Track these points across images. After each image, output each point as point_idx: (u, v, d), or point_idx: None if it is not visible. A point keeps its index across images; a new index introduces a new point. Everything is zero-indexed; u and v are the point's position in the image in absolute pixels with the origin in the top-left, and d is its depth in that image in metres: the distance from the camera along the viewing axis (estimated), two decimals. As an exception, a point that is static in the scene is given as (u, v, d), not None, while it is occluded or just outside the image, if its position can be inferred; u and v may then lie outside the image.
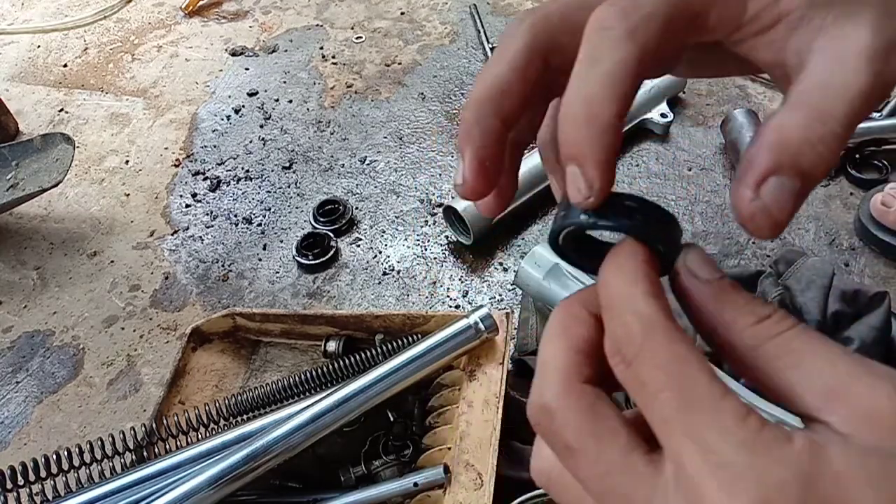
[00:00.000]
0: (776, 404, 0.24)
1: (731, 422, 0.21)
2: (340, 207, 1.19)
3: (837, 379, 0.22)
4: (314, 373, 0.83)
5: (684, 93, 1.32)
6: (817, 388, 0.22)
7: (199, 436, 0.81)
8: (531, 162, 1.14)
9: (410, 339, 0.83)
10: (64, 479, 0.76)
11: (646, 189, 1.17)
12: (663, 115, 1.25)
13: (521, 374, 0.87)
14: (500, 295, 1.04)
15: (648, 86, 1.26)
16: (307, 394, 0.83)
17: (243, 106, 1.46)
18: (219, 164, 1.34)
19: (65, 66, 1.65)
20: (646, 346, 0.23)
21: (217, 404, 0.82)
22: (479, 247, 1.10)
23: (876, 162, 1.12)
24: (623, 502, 0.23)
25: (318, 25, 1.68)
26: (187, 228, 1.22)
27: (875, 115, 1.19)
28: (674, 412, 0.22)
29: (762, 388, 0.24)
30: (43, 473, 0.75)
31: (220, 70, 1.57)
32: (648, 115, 1.24)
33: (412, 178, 1.25)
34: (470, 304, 1.04)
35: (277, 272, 1.12)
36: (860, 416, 0.21)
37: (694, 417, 0.21)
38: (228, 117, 1.44)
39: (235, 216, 1.23)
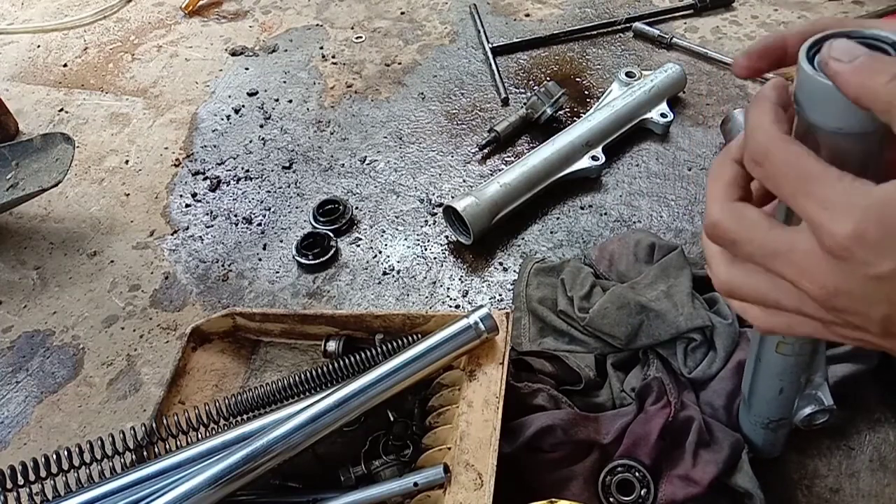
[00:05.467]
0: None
1: (834, 181, 0.34)
2: (340, 207, 1.19)
3: None
4: (314, 373, 0.83)
5: (684, 93, 1.32)
6: None
7: (199, 436, 0.81)
8: (531, 162, 1.14)
9: (410, 339, 0.83)
10: (64, 479, 0.76)
11: (646, 189, 1.17)
12: (663, 115, 1.25)
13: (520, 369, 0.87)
14: (500, 295, 1.04)
15: (648, 86, 1.26)
16: (307, 394, 0.83)
17: (243, 106, 1.46)
18: (219, 164, 1.34)
19: (65, 65, 1.65)
20: (770, 150, 0.36)
21: (217, 404, 0.82)
22: (479, 247, 1.10)
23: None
24: (776, 255, 0.36)
25: (318, 25, 1.68)
26: (187, 228, 1.22)
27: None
28: (795, 184, 0.35)
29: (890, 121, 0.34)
30: (43, 473, 0.75)
31: (220, 70, 1.57)
32: (648, 115, 1.24)
33: (412, 178, 1.25)
34: (470, 304, 1.04)
35: (277, 272, 1.12)
36: None
37: (809, 184, 0.34)
38: (228, 117, 1.44)
39: (235, 216, 1.23)
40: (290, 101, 1.46)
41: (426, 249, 1.13)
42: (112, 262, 1.18)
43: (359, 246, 1.15)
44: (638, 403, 0.80)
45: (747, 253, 0.38)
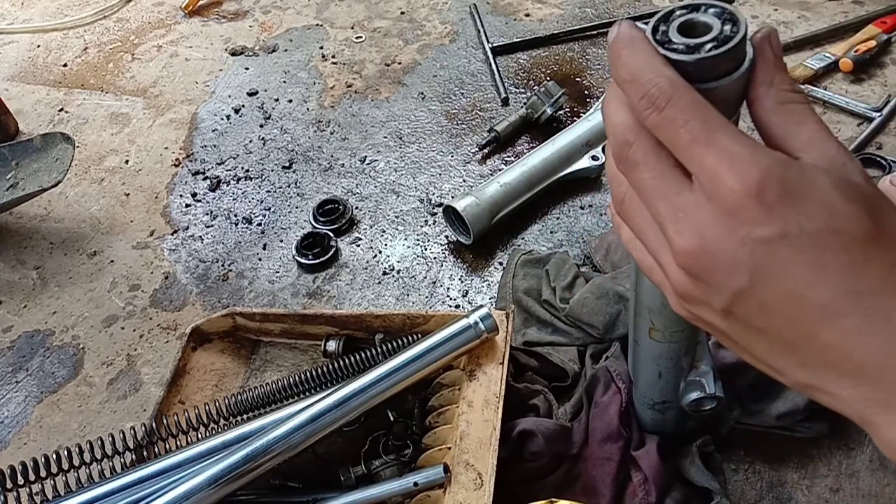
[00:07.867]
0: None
1: (738, 134, 0.33)
2: (340, 207, 1.19)
3: (818, 137, 0.35)
4: (314, 373, 0.83)
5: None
6: (804, 137, 0.35)
7: (199, 436, 0.81)
8: (531, 162, 1.14)
9: (410, 338, 0.83)
10: (64, 479, 0.76)
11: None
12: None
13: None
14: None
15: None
16: (307, 394, 0.83)
17: (243, 106, 1.46)
18: (219, 164, 1.34)
19: (65, 65, 1.65)
20: (675, 94, 0.34)
21: (217, 404, 0.82)
22: (479, 247, 1.10)
23: (878, 160, 1.12)
24: (666, 200, 0.35)
25: (318, 25, 1.68)
26: (187, 228, 1.22)
27: (875, 114, 1.19)
28: (699, 131, 0.33)
29: (769, 132, 0.36)
30: (43, 473, 0.75)
31: (220, 70, 1.57)
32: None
33: (412, 178, 1.25)
34: (470, 303, 1.04)
35: (277, 272, 1.12)
36: (822, 157, 0.34)
37: (714, 132, 0.33)
38: (228, 117, 1.44)
39: (235, 216, 1.23)
40: (290, 101, 1.46)
41: (426, 249, 1.13)
42: (112, 261, 1.18)
43: (359, 246, 1.15)
44: (587, 399, 0.79)
45: (636, 179, 0.36)
